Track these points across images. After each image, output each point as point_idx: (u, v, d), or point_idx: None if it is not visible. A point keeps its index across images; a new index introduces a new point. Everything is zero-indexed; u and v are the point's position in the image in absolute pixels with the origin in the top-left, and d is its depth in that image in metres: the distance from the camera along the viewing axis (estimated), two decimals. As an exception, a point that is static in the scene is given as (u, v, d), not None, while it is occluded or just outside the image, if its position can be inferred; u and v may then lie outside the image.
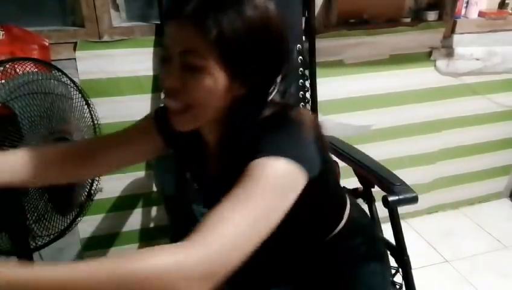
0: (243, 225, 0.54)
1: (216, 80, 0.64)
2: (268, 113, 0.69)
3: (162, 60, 0.67)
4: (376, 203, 1.22)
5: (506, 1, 1.86)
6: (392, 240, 1.12)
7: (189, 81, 0.64)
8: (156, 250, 0.50)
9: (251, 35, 0.63)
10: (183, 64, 0.64)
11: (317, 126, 0.72)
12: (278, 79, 0.71)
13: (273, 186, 0.59)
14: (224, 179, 0.63)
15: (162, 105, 0.88)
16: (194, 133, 0.74)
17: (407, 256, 1.26)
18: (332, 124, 1.72)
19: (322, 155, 0.70)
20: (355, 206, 1.01)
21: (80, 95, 1.19)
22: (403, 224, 1.22)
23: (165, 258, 0.49)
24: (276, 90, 0.71)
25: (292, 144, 0.65)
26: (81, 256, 1.70)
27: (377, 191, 1.17)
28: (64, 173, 0.81)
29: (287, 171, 0.61)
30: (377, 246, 1.03)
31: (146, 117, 0.89)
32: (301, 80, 1.55)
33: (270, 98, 0.70)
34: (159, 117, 0.84)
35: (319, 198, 0.76)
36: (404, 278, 1.23)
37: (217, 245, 0.51)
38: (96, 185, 1.30)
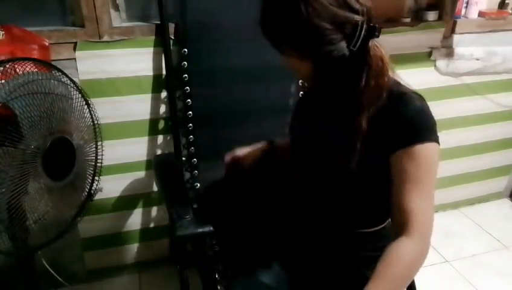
0: (429, 207, 0.81)
1: (288, 57, 0.84)
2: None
3: None
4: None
5: (506, 1, 1.86)
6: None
7: (284, 61, 0.87)
8: (402, 251, 0.78)
9: (289, 33, 0.80)
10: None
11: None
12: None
13: (435, 169, 0.82)
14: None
15: None
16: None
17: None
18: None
19: None
20: None
21: (79, 95, 1.19)
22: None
23: (411, 252, 0.77)
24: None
25: (435, 125, 0.83)
26: (81, 256, 1.70)
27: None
28: None
29: (437, 153, 0.82)
30: None
31: None
32: (301, 80, 1.55)
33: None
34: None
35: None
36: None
37: (426, 229, 0.79)
38: (96, 185, 1.29)
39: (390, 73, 0.85)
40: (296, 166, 1.06)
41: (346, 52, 0.79)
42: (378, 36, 0.81)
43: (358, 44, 0.79)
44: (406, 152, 0.81)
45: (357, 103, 0.83)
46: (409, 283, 0.81)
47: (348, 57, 0.79)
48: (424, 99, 0.86)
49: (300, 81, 1.53)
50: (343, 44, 0.78)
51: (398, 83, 0.88)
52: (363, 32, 0.78)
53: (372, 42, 0.81)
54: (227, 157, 1.15)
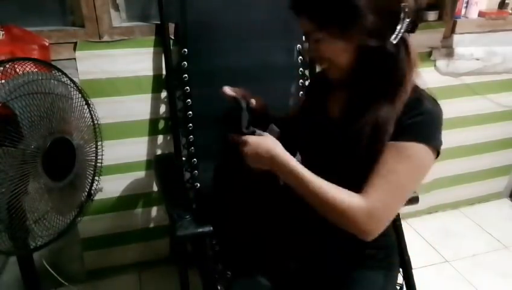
0: (390, 199, 0.81)
1: (331, 42, 0.84)
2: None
3: (305, 39, 0.96)
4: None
5: (506, 1, 1.86)
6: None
7: (319, 49, 0.86)
8: (351, 197, 0.81)
9: (339, 13, 0.80)
10: (313, 39, 0.86)
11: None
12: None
13: (418, 171, 0.84)
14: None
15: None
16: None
17: (408, 256, 1.26)
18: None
19: None
20: None
21: (79, 95, 1.19)
22: (403, 224, 1.22)
23: (357, 204, 0.81)
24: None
25: (438, 132, 0.85)
26: (81, 256, 1.70)
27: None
28: None
29: (432, 162, 0.84)
30: (392, 257, 1.04)
31: None
32: (301, 80, 1.55)
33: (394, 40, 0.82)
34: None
35: None
36: (404, 278, 1.24)
37: (377, 213, 0.81)
38: (96, 185, 1.29)
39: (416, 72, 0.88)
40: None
41: (390, 41, 0.81)
42: (414, 32, 0.85)
43: (399, 36, 0.81)
44: (396, 145, 0.82)
45: (394, 92, 0.84)
46: (319, 210, 0.84)
47: (390, 47, 0.82)
48: (439, 105, 0.87)
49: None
50: (390, 32, 0.81)
51: (417, 85, 0.89)
52: (404, 26, 0.81)
53: (409, 37, 0.85)
54: (233, 91, 1.09)
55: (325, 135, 0.96)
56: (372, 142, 0.84)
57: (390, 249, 1.02)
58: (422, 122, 0.83)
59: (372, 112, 0.85)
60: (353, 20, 0.79)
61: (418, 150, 0.82)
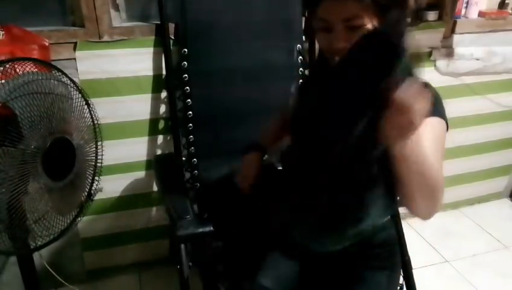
0: (440, 162, 0.87)
1: (373, 26, 0.80)
2: None
3: (321, 30, 0.84)
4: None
5: (506, 1, 1.86)
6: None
7: (355, 38, 0.78)
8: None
9: None
10: (348, 27, 0.79)
11: None
12: None
13: (443, 140, 0.93)
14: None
15: None
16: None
17: (408, 256, 1.26)
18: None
19: None
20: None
21: (79, 95, 1.19)
22: (403, 224, 1.22)
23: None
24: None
25: (444, 110, 0.92)
26: (81, 256, 1.70)
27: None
28: None
29: (445, 131, 0.93)
30: (395, 256, 1.04)
31: None
32: (301, 80, 1.55)
33: None
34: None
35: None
36: (404, 278, 1.24)
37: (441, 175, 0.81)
38: (96, 185, 1.30)
39: None
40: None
41: None
42: None
43: None
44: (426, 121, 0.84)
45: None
46: (415, 180, 0.79)
47: None
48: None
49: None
50: None
51: None
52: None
53: None
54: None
55: None
56: None
57: (393, 247, 1.02)
58: (435, 102, 0.86)
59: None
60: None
61: (440, 122, 0.90)
